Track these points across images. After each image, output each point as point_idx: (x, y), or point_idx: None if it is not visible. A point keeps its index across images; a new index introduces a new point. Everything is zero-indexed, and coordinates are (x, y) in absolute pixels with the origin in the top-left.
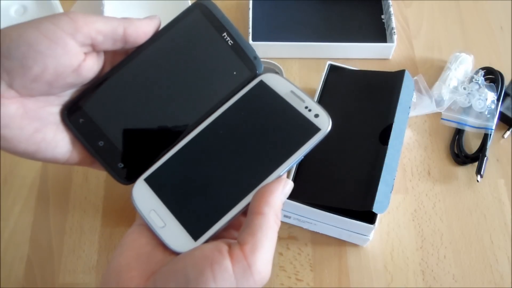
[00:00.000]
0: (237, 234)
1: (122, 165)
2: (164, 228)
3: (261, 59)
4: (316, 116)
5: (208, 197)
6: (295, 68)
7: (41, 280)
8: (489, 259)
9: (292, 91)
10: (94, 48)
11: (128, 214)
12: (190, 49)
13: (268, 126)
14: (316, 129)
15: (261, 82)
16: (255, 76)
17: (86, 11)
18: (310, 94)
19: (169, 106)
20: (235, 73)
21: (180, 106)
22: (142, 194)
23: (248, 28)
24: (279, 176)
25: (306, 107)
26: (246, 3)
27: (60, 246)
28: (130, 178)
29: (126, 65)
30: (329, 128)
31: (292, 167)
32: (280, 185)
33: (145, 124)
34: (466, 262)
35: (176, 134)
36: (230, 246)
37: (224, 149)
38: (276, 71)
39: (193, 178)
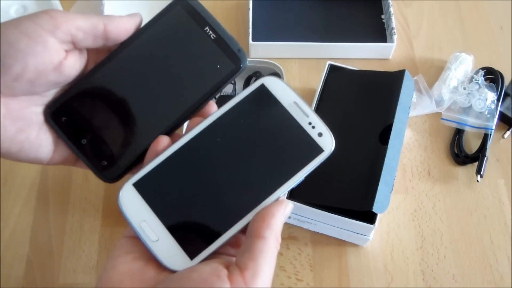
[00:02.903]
0: (233, 251)
1: (106, 163)
2: (157, 242)
3: (261, 59)
4: (320, 135)
5: (205, 213)
6: (295, 68)
7: (41, 280)
8: (489, 259)
9: (295, 103)
10: (75, 45)
11: None
12: (173, 45)
13: (269, 140)
14: (319, 150)
15: (263, 86)
16: (239, 68)
17: (86, 11)
18: (310, 94)
19: (153, 101)
20: (218, 66)
21: (165, 101)
22: (131, 201)
23: (248, 28)
24: (279, 197)
25: (310, 123)
26: (246, 3)
27: (60, 246)
28: (113, 176)
29: (109, 63)
30: (333, 149)
31: (292, 188)
32: (281, 208)
33: (128, 120)
34: (466, 262)
35: (160, 130)
36: (228, 269)
37: (222, 160)
38: (276, 71)
39: (188, 189)
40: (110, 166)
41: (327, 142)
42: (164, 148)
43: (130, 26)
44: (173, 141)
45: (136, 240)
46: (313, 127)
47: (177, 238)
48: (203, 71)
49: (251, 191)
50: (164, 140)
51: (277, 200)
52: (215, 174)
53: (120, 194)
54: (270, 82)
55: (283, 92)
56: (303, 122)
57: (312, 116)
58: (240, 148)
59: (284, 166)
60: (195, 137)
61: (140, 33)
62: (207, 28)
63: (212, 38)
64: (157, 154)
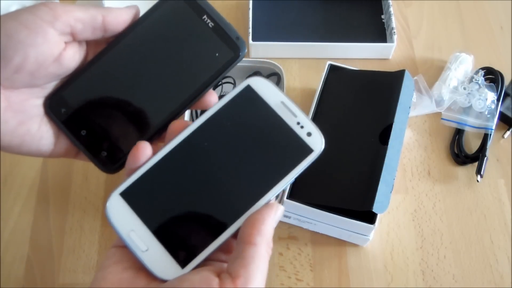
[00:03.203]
0: (224, 257)
1: (105, 154)
2: (146, 252)
3: (261, 59)
4: (309, 134)
5: (195, 220)
6: (295, 68)
7: (41, 280)
8: (489, 259)
9: (283, 103)
10: (74, 37)
11: None
12: (171, 34)
13: (258, 142)
14: (309, 150)
15: (249, 87)
16: (238, 56)
17: None
18: (310, 94)
19: (151, 91)
20: (217, 54)
21: (164, 90)
22: (119, 210)
23: (248, 28)
24: (270, 200)
25: (298, 123)
26: (246, 3)
27: (60, 246)
28: (114, 167)
29: (107, 53)
30: (322, 149)
31: (283, 190)
32: (272, 212)
33: (128, 111)
34: (466, 262)
35: (160, 120)
36: (220, 277)
37: (210, 165)
38: (276, 71)
39: (176, 196)
40: (111, 157)
41: (317, 142)
42: (144, 154)
43: (128, 17)
44: (168, 136)
45: (126, 249)
46: (302, 127)
47: (167, 247)
48: (202, 59)
49: (240, 195)
50: (143, 146)
51: (267, 203)
52: (203, 180)
53: (108, 204)
54: (256, 83)
55: (270, 92)
56: (291, 122)
57: (301, 115)
58: (227, 152)
59: (273, 168)
60: (181, 142)
61: (138, 23)
62: (205, 16)
63: (210, 26)
64: (136, 160)
